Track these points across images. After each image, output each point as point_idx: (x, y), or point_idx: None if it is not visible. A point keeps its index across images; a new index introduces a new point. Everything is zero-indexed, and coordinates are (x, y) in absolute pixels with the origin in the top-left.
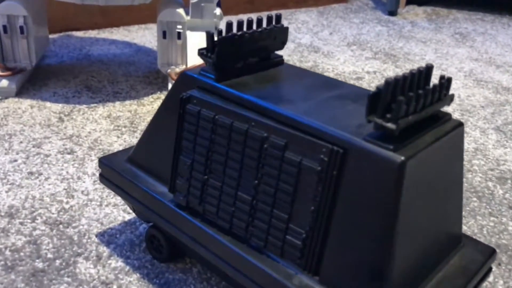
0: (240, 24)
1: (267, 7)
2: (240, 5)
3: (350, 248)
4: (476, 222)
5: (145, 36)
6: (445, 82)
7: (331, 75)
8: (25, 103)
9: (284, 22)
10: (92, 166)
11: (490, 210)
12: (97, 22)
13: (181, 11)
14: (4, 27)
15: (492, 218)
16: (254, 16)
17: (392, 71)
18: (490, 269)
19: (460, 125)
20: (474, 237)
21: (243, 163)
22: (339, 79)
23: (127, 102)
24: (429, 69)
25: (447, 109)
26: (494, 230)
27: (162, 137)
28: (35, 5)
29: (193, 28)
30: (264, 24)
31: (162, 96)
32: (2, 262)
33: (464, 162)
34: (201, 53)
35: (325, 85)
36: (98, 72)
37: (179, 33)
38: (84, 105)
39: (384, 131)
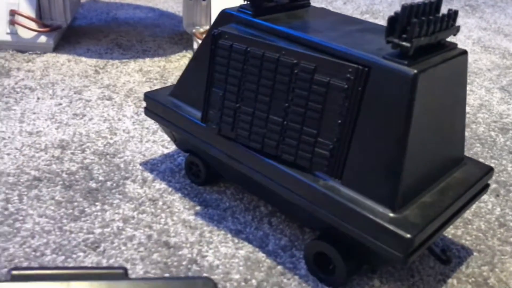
0: None
1: None
2: None
3: (369, 153)
4: None
5: (167, 2)
6: (452, 13)
7: None
8: (62, 57)
9: None
10: (130, 110)
11: (491, 154)
12: None
13: None
14: None
15: (493, 161)
16: None
17: None
18: (487, 185)
19: (464, 52)
20: None
21: (274, 89)
22: None
23: (156, 58)
24: (438, 1)
25: None
26: (495, 170)
27: (199, 72)
28: None
29: None
30: None
31: (188, 54)
32: (61, 182)
33: (469, 115)
34: None
35: (348, 21)
36: (126, 33)
37: None
38: (117, 60)
39: (400, 50)
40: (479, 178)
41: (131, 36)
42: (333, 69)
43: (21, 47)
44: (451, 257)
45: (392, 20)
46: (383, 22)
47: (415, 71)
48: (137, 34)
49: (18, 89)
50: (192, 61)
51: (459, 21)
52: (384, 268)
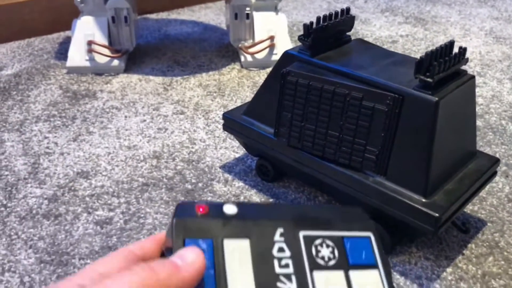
0: (324, 16)
1: None
2: None
3: (405, 156)
4: (491, 149)
5: (207, 14)
6: (462, 50)
7: (371, 39)
8: (134, 77)
9: None
10: (201, 122)
11: (502, 140)
12: (165, 5)
13: None
14: (113, 18)
15: (503, 146)
16: None
17: (421, 33)
18: (495, 172)
19: (472, 77)
20: None
21: (331, 112)
22: (377, 43)
23: (210, 73)
24: (451, 44)
25: (470, 64)
26: (504, 154)
27: (268, 97)
28: None
29: (258, 9)
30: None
31: (236, 66)
32: (164, 186)
33: (482, 106)
34: (300, 38)
35: (383, 55)
36: (180, 49)
37: (247, 14)
38: (179, 77)
39: (425, 83)
40: (488, 168)
41: (185, 52)
42: (376, 97)
43: (98, 71)
44: (469, 228)
45: (419, 63)
46: (402, 18)
47: (436, 99)
48: (190, 50)
49: (107, 109)
50: (262, 88)
51: (472, 12)
52: (419, 239)
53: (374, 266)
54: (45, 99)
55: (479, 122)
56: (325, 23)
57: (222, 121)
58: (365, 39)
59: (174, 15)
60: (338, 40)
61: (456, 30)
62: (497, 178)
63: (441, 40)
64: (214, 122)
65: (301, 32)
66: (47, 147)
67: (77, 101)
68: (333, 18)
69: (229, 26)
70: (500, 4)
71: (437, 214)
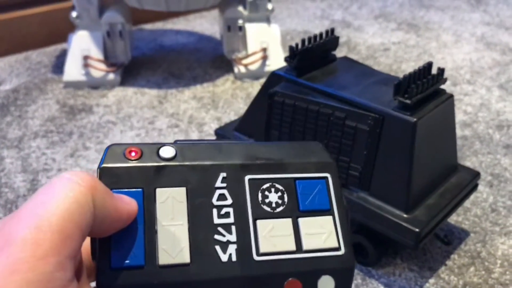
0: (309, 38)
1: None
2: None
3: (387, 173)
4: (478, 159)
5: (202, 24)
6: (440, 71)
7: (363, 48)
8: (129, 90)
9: (317, 0)
10: (195, 135)
11: (488, 150)
12: (161, 15)
13: (241, 8)
14: (108, 32)
15: (489, 156)
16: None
17: (414, 40)
18: (476, 185)
19: (451, 96)
20: (475, 169)
21: (316, 130)
22: (369, 51)
23: (205, 84)
24: (430, 65)
25: (461, 71)
26: (490, 164)
27: (258, 114)
28: (128, 11)
29: (251, 20)
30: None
31: (230, 77)
32: None
33: (471, 115)
34: (286, 59)
35: (366, 74)
36: (175, 61)
37: (240, 26)
38: (174, 89)
39: (404, 105)
40: (469, 182)
41: (180, 63)
42: (358, 117)
43: (94, 84)
44: (451, 240)
45: (397, 85)
46: (394, 24)
47: (415, 119)
48: (185, 61)
49: (103, 124)
50: (252, 105)
51: (465, 17)
52: (403, 250)
53: (328, 211)
54: (43, 114)
55: (467, 132)
56: (310, 45)
57: (214, 134)
58: (358, 47)
59: (169, 24)
60: (323, 59)
61: (448, 36)
62: (481, 188)
63: (432, 47)
64: (207, 135)
65: (295, 41)
66: (46, 164)
67: (74, 116)
68: (317, 39)
69: (223, 37)
70: (492, 9)
71: (417, 229)
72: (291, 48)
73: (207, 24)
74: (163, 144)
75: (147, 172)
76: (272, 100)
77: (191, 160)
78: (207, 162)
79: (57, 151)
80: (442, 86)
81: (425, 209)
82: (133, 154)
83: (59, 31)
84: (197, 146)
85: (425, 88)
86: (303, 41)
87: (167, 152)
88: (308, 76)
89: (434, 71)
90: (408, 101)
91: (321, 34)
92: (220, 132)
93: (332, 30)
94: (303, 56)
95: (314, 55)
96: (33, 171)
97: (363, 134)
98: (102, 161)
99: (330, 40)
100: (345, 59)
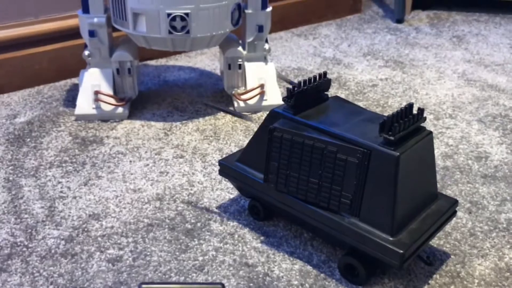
0: (304, 81)
1: (294, 24)
2: (272, 24)
3: (374, 200)
4: (458, 187)
5: (203, 60)
6: (420, 111)
7: (352, 84)
8: (137, 123)
9: (309, 38)
10: (199, 166)
11: (468, 179)
12: (164, 52)
13: (240, 48)
14: (117, 70)
15: (469, 185)
16: (283, 33)
17: (400, 76)
18: (455, 212)
19: (430, 133)
20: (455, 197)
21: (311, 162)
22: (359, 87)
23: (207, 117)
24: (411, 106)
25: (443, 106)
26: (469, 192)
27: (259, 147)
28: (136, 50)
29: (249, 59)
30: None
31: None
32: (167, 226)
33: (452, 147)
34: (284, 99)
35: (355, 112)
36: (178, 95)
37: (239, 64)
38: (178, 122)
39: (388, 141)
40: (448, 208)
41: (183, 98)
42: (348, 151)
43: (104, 118)
44: (432, 261)
45: (382, 123)
46: (382, 62)
47: (398, 154)
48: (187, 96)
49: (114, 155)
50: (253, 139)
51: (447, 54)
52: (390, 270)
53: None
54: (57, 145)
55: (448, 163)
56: (305, 87)
57: (217, 164)
58: (348, 83)
59: (172, 61)
60: (317, 99)
61: (431, 72)
62: (461, 214)
63: (417, 84)
64: (210, 165)
65: (289, 77)
66: (61, 191)
67: (85, 147)
68: (312, 82)
69: (223, 73)
70: (472, 46)
71: (401, 251)
72: (288, 89)
73: (207, 60)
74: None
75: None
76: (272, 135)
77: None
78: None
79: (71, 180)
80: (428, 119)
81: (409, 233)
82: None
83: (69, 67)
84: None
85: (407, 126)
86: (299, 83)
87: None
88: (303, 114)
89: (415, 110)
90: (392, 138)
91: (315, 77)
92: (224, 163)
93: (325, 74)
94: (299, 97)
95: (309, 96)
96: (50, 198)
97: (353, 166)
98: None
99: (323, 82)
100: (336, 98)
